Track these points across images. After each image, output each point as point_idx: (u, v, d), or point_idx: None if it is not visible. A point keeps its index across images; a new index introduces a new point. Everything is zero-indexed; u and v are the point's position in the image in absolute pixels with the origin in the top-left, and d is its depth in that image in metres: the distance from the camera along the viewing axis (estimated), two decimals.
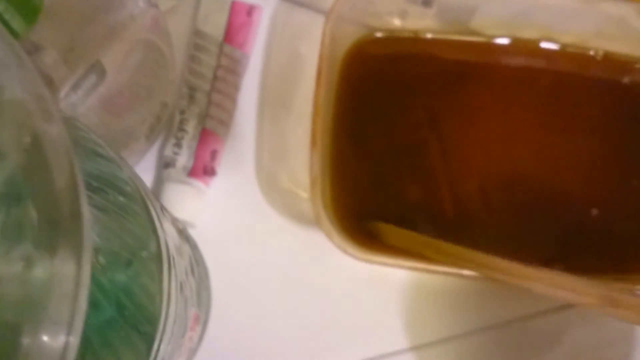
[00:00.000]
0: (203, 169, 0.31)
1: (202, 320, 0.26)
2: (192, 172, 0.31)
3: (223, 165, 0.32)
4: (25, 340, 0.11)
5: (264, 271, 0.31)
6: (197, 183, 0.31)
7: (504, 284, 0.25)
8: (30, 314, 0.11)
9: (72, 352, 0.12)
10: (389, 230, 0.28)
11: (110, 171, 0.15)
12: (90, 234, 0.10)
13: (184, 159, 0.31)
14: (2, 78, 0.09)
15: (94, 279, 0.14)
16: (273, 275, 0.31)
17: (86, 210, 0.10)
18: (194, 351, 0.26)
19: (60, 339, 0.11)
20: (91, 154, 0.15)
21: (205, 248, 0.30)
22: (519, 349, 0.30)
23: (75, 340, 0.12)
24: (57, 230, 0.10)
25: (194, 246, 0.26)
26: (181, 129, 0.32)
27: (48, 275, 0.11)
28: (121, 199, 0.15)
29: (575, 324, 0.30)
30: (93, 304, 0.14)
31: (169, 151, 0.32)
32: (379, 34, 0.33)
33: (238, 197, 0.32)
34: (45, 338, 0.11)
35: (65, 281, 0.11)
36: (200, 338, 0.27)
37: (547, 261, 0.29)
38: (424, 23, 0.33)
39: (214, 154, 0.32)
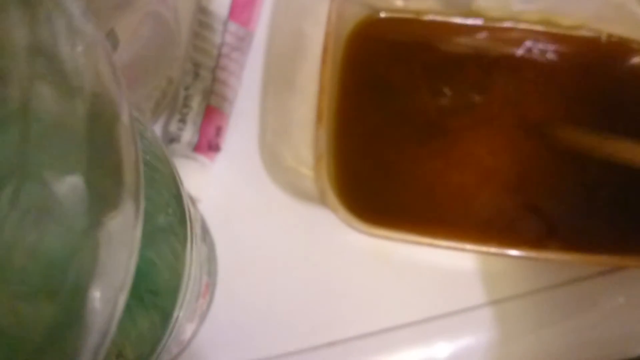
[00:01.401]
0: (208, 145, 0.31)
1: (211, 291, 0.27)
2: (197, 148, 0.31)
3: (227, 142, 0.33)
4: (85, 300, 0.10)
5: (267, 246, 0.31)
6: (202, 158, 0.31)
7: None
8: (92, 273, 0.11)
9: (121, 308, 0.12)
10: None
11: (142, 133, 0.15)
12: (143, 189, 0.11)
13: (188, 135, 0.31)
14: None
15: None
16: (276, 250, 0.32)
17: (142, 166, 0.10)
18: (202, 319, 0.26)
19: (112, 295, 0.11)
20: None
21: (210, 222, 0.30)
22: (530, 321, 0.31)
23: (123, 297, 0.12)
24: (121, 187, 0.10)
25: (203, 220, 0.27)
26: (186, 105, 0.32)
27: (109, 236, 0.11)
28: (147, 157, 0.15)
29: (609, 291, 0.31)
30: None
31: (173, 127, 0.32)
32: (382, 14, 0.33)
33: (242, 174, 0.32)
34: (98, 295, 0.11)
35: (122, 242, 0.11)
36: (208, 307, 0.27)
37: (545, 239, 0.29)
38: (426, 4, 0.33)
39: (218, 130, 0.32)
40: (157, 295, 0.15)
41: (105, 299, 0.09)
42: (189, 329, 0.22)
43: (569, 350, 0.31)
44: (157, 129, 0.33)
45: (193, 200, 0.23)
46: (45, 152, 0.08)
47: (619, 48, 0.32)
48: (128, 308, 0.14)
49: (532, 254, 0.28)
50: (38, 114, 0.08)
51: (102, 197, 0.09)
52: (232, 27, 0.33)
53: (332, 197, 0.28)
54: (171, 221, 0.16)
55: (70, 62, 0.09)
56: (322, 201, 0.29)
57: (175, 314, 0.16)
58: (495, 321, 0.31)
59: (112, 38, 0.23)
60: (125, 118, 0.10)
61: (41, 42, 0.08)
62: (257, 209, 0.32)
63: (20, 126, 0.08)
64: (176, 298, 0.16)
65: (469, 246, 0.27)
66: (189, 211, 0.17)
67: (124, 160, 0.09)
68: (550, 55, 0.33)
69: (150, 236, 0.14)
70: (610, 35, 0.32)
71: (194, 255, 0.17)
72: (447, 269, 0.31)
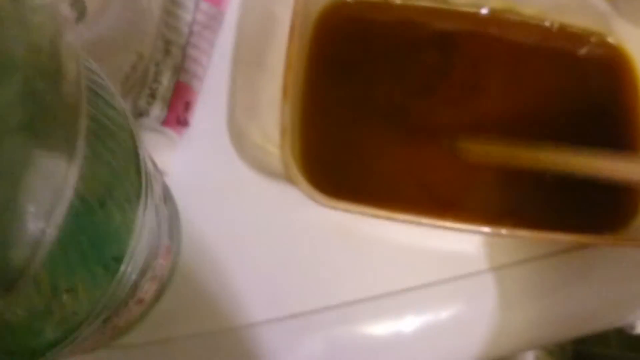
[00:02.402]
0: (176, 120, 0.32)
1: (173, 257, 0.27)
2: (166, 122, 0.32)
3: (196, 118, 0.33)
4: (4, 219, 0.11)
5: (232, 220, 0.32)
6: (170, 132, 0.32)
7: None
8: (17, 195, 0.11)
9: (48, 243, 0.12)
10: (479, 148, 0.31)
11: (99, 82, 0.16)
12: (84, 129, 0.11)
13: (157, 110, 0.32)
14: None
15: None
16: (241, 224, 0.32)
17: (85, 106, 0.11)
18: (164, 283, 0.27)
19: (39, 226, 0.12)
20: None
21: (176, 196, 0.31)
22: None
23: (52, 232, 0.12)
24: (56, 120, 0.11)
25: (165, 185, 0.27)
26: (156, 81, 0.32)
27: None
28: (106, 109, 0.16)
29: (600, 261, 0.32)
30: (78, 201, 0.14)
31: (142, 101, 0.32)
32: None
33: (209, 149, 0.33)
34: (25, 222, 0.11)
35: (56, 169, 0.12)
36: (170, 273, 0.28)
37: (499, 216, 0.30)
38: None
39: (187, 106, 0.33)
40: (108, 237, 0.15)
41: (41, 193, 0.10)
42: (149, 289, 0.23)
43: (533, 328, 0.32)
44: (126, 104, 0.33)
45: (154, 163, 0.24)
46: None
47: (575, 38, 0.33)
48: (78, 246, 0.15)
49: (487, 229, 0.29)
50: None
51: (40, 101, 0.10)
52: (204, 5, 0.34)
53: (294, 170, 0.28)
54: (126, 167, 0.16)
55: None
56: (285, 175, 0.30)
57: (126, 260, 0.17)
58: (458, 296, 0.32)
59: (79, 6, 0.23)
60: (68, 37, 0.10)
61: None
62: (223, 184, 0.33)
63: None
64: (127, 245, 0.16)
65: (425, 220, 0.28)
66: (145, 164, 0.18)
67: (63, 71, 0.10)
68: (510, 42, 0.34)
69: (103, 178, 0.15)
70: (565, 25, 0.33)
71: (148, 208, 0.18)
72: (409, 245, 0.32)
